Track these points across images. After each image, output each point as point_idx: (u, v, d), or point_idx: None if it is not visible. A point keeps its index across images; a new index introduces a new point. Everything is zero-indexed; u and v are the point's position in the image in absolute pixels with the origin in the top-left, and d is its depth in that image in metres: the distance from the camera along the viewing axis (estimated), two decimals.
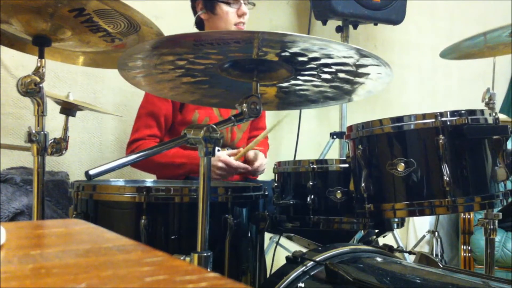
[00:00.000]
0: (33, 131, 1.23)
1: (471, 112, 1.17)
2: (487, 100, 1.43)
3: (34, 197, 1.25)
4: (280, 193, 1.47)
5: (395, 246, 1.42)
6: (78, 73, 2.25)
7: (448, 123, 1.15)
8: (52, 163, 2.18)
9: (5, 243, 0.51)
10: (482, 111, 1.20)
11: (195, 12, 2.02)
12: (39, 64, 1.22)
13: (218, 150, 1.98)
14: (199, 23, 2.03)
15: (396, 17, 2.65)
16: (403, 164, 1.17)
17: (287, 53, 1.08)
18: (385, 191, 1.23)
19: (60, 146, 1.31)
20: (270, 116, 2.34)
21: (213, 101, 1.53)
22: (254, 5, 2.00)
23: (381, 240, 1.62)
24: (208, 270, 1.03)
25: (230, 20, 1.93)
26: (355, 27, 2.73)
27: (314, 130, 2.91)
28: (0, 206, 1.77)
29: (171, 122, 1.97)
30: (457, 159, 1.15)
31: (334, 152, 2.72)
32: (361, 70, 1.16)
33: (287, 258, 1.29)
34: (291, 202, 1.41)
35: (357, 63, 1.13)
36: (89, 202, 1.33)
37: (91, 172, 0.96)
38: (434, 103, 3.36)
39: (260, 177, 2.13)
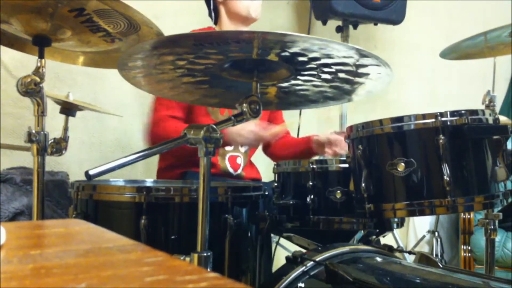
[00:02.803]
0: (33, 131, 1.23)
1: (471, 112, 1.17)
2: (487, 102, 1.43)
3: (34, 197, 1.25)
4: (280, 193, 1.47)
5: (395, 246, 1.42)
6: (78, 73, 2.25)
7: (448, 123, 1.15)
8: (52, 163, 2.17)
9: (5, 243, 0.51)
10: (482, 111, 1.20)
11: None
12: (39, 64, 1.22)
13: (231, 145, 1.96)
14: (215, 10, 2.04)
15: (396, 17, 2.65)
16: (403, 164, 1.17)
17: (287, 53, 1.08)
18: (385, 191, 1.22)
19: (60, 146, 1.31)
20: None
21: (213, 101, 1.52)
22: None
23: (381, 240, 1.62)
24: (208, 270, 1.03)
25: None
26: (355, 27, 2.73)
27: (314, 130, 2.90)
28: (0, 206, 1.77)
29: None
30: (457, 159, 1.15)
31: None
32: (361, 70, 1.16)
33: (287, 258, 1.29)
34: (291, 202, 1.41)
35: (357, 63, 1.13)
36: (89, 202, 1.33)
37: (91, 172, 0.96)
38: (434, 103, 3.36)
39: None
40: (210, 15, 2.06)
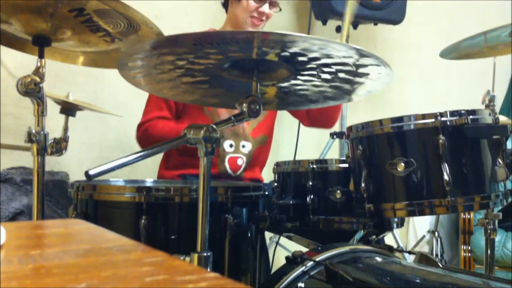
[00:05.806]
0: (33, 131, 1.23)
1: (471, 112, 1.17)
2: (487, 102, 1.43)
3: (34, 197, 1.25)
4: (280, 193, 1.47)
5: (395, 246, 1.42)
6: (78, 73, 2.25)
7: (448, 123, 1.15)
8: (52, 163, 2.17)
9: (5, 243, 0.51)
10: (481, 111, 1.20)
11: None
12: (39, 64, 1.22)
13: (231, 146, 1.95)
14: (225, 4, 2.03)
15: (396, 17, 2.65)
16: (403, 164, 1.17)
17: (287, 53, 1.08)
18: (385, 191, 1.23)
19: (60, 146, 1.31)
20: None
21: (213, 101, 1.52)
22: (280, 9, 1.98)
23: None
24: (208, 270, 1.03)
25: (248, 10, 1.90)
26: (355, 27, 2.73)
27: (314, 130, 2.90)
28: (0, 206, 1.78)
29: (182, 105, 1.93)
30: (457, 159, 1.15)
31: (334, 152, 2.72)
32: (361, 70, 1.16)
33: (287, 258, 1.29)
34: (291, 202, 1.41)
35: (357, 63, 1.13)
36: (89, 202, 1.33)
37: (91, 172, 0.96)
38: (434, 103, 3.36)
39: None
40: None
